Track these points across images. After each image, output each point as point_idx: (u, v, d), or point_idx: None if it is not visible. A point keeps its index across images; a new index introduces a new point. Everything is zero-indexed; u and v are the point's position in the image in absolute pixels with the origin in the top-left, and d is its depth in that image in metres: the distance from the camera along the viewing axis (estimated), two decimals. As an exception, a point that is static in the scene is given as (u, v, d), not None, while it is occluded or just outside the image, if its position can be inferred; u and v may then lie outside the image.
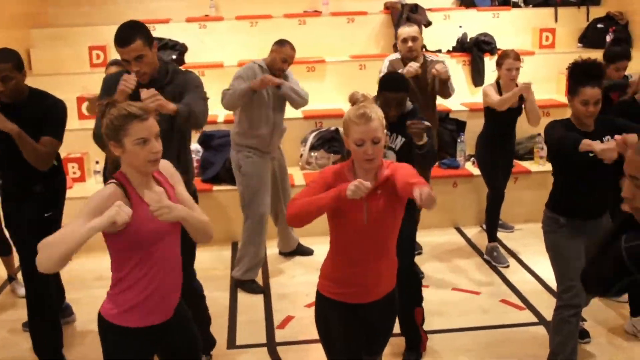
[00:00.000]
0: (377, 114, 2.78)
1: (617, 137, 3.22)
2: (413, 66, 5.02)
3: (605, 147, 3.41)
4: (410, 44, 5.15)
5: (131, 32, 3.47)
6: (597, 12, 8.06)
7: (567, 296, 3.66)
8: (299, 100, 5.05)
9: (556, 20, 8.03)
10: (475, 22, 7.73)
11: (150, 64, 3.53)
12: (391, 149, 4.00)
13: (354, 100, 2.83)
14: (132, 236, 2.57)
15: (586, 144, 3.47)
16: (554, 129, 3.64)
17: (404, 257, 3.44)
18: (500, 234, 5.90)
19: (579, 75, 3.65)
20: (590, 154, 3.48)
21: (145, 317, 2.68)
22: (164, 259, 2.68)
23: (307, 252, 5.68)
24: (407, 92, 4.00)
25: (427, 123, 3.80)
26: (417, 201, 2.52)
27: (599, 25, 7.84)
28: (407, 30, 5.24)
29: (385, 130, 2.82)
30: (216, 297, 4.89)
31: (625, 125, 3.77)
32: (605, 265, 2.16)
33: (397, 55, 5.32)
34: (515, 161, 6.21)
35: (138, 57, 3.47)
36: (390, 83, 3.97)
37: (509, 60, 5.18)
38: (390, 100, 3.91)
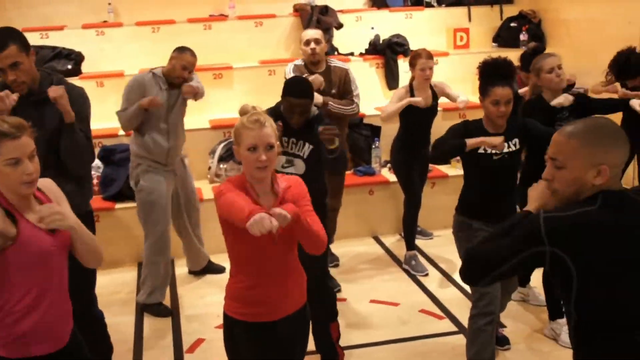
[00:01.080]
0: (270, 122, 2.83)
1: None
2: (318, 79, 5.04)
3: (499, 140, 3.62)
4: (312, 45, 5.19)
5: (4, 38, 3.37)
6: (510, 10, 8.36)
7: (482, 304, 3.77)
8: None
9: (470, 19, 8.28)
10: (387, 23, 7.87)
11: (28, 73, 3.43)
12: (299, 157, 4.03)
13: (244, 112, 2.85)
14: (13, 258, 2.50)
15: (473, 141, 3.66)
16: (443, 138, 3.84)
17: (315, 270, 3.46)
18: (419, 242, 6.01)
19: (489, 75, 3.78)
20: (491, 152, 3.66)
21: (28, 347, 2.60)
22: (50, 283, 2.61)
23: (218, 269, 5.64)
24: (312, 99, 4.04)
25: (335, 130, 3.87)
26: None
27: (513, 24, 8.13)
28: (309, 33, 5.30)
29: (283, 139, 2.87)
30: (120, 323, 4.80)
31: (537, 126, 3.93)
32: (502, 244, 2.21)
33: (300, 62, 5.34)
34: (432, 165, 6.34)
35: (13, 65, 3.38)
36: (295, 88, 4.00)
37: (422, 59, 5.30)
38: (294, 106, 3.94)
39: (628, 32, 6.19)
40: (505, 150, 3.80)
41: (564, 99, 4.45)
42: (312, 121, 4.02)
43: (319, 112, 4.12)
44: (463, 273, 2.32)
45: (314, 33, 5.31)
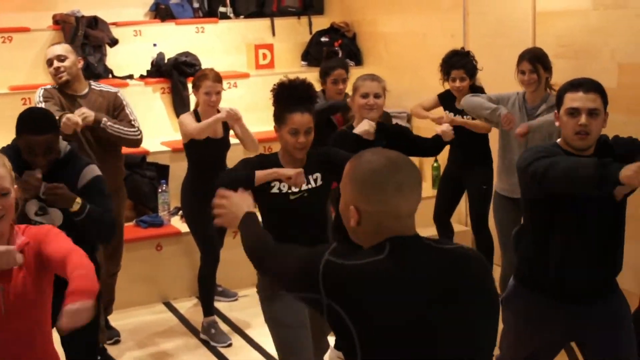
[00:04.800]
0: (5, 161, 2.83)
1: None
2: (71, 119, 4.78)
3: (294, 171, 3.67)
4: (56, 64, 5.08)
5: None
6: (321, 23, 8.58)
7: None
8: None
9: (274, 34, 8.40)
10: (174, 39, 7.83)
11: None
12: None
13: None
14: None
15: (263, 173, 3.72)
16: (229, 172, 3.88)
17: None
18: (220, 305, 5.95)
19: (286, 100, 3.80)
20: (287, 191, 3.73)
21: None
22: None
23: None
24: (57, 132, 3.81)
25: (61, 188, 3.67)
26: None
27: (324, 39, 8.33)
28: (51, 51, 5.18)
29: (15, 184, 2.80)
30: None
31: (342, 157, 3.97)
32: (289, 264, 2.29)
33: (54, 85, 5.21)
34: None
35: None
36: (33, 123, 3.74)
37: (208, 82, 5.29)
38: (34, 144, 3.68)
39: (451, 46, 6.50)
40: (304, 187, 3.80)
41: (368, 126, 4.53)
42: (65, 160, 3.82)
43: (72, 147, 3.90)
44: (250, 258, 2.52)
45: (56, 49, 5.16)
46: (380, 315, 2.09)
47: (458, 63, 5.59)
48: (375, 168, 2.20)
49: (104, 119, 4.96)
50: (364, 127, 4.53)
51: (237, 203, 2.63)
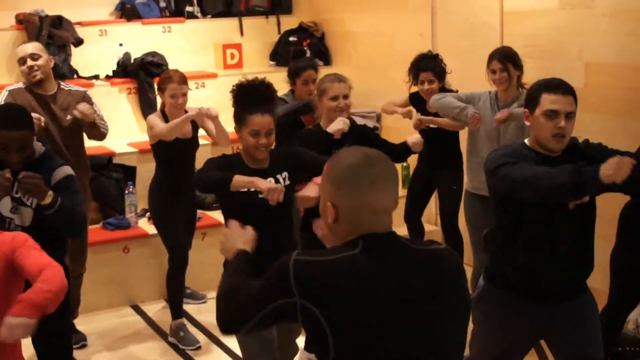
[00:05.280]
0: None
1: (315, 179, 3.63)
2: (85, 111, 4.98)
3: (271, 186, 3.61)
4: (29, 62, 5.10)
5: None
6: (289, 22, 8.57)
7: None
8: None
9: (242, 33, 8.39)
10: (141, 39, 7.78)
11: None
12: (27, 206, 3.80)
13: None
14: None
15: (241, 180, 3.68)
16: (204, 167, 3.82)
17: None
18: (189, 307, 5.93)
19: (246, 101, 3.81)
20: (260, 195, 3.67)
21: None
22: None
23: None
24: (32, 129, 3.84)
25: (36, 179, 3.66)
26: None
27: (292, 39, 8.33)
28: (22, 49, 5.20)
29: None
30: None
31: (311, 156, 3.99)
32: (253, 289, 2.24)
33: (20, 85, 5.21)
34: (201, 212, 6.31)
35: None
36: (7, 118, 3.77)
37: (173, 84, 5.27)
38: (8, 140, 3.69)
39: (419, 46, 6.53)
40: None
41: (343, 124, 4.56)
42: (39, 160, 3.82)
43: (46, 149, 3.92)
44: (218, 318, 2.34)
45: (28, 47, 5.19)
46: (354, 312, 2.10)
47: (426, 65, 5.61)
48: (351, 163, 2.23)
49: (95, 115, 5.09)
50: (338, 125, 4.54)
51: (233, 238, 2.58)
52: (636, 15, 5.04)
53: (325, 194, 2.27)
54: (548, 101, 3.33)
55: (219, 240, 2.64)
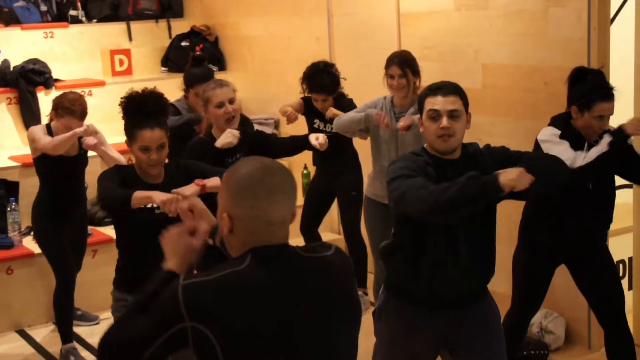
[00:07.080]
0: None
1: (197, 181, 3.65)
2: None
3: (166, 198, 3.54)
4: None
5: None
6: (180, 26, 8.53)
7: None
8: None
9: (130, 39, 8.30)
10: (20, 45, 7.65)
11: None
12: None
13: None
14: None
15: (141, 195, 3.61)
16: (103, 184, 3.74)
17: None
18: (80, 329, 5.83)
19: (135, 115, 3.77)
20: (156, 211, 3.63)
21: None
22: None
23: None
24: None
25: None
26: None
27: (184, 44, 8.28)
28: None
29: None
30: None
31: (203, 168, 3.94)
32: (139, 325, 2.18)
33: None
34: (91, 228, 6.22)
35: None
36: None
37: (74, 120, 5.13)
38: None
39: (316, 49, 6.55)
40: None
41: (232, 137, 4.50)
42: None
43: None
44: None
45: None
46: (244, 327, 2.12)
47: (317, 86, 5.64)
48: (248, 172, 2.23)
49: None
50: (226, 139, 4.48)
51: (167, 251, 2.43)
52: (528, 15, 5.15)
53: (221, 204, 2.26)
54: (429, 103, 3.38)
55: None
